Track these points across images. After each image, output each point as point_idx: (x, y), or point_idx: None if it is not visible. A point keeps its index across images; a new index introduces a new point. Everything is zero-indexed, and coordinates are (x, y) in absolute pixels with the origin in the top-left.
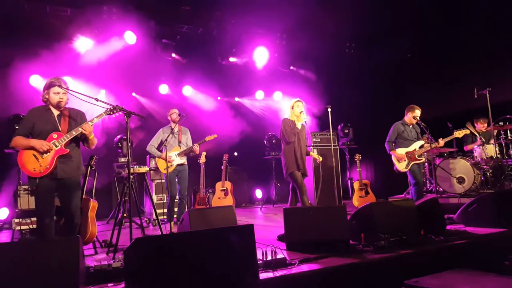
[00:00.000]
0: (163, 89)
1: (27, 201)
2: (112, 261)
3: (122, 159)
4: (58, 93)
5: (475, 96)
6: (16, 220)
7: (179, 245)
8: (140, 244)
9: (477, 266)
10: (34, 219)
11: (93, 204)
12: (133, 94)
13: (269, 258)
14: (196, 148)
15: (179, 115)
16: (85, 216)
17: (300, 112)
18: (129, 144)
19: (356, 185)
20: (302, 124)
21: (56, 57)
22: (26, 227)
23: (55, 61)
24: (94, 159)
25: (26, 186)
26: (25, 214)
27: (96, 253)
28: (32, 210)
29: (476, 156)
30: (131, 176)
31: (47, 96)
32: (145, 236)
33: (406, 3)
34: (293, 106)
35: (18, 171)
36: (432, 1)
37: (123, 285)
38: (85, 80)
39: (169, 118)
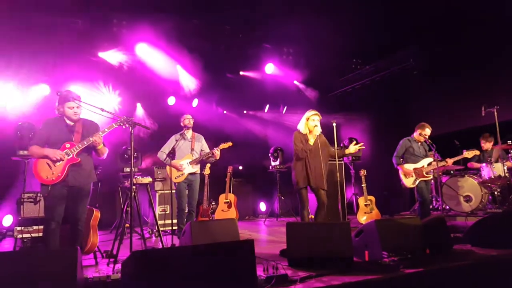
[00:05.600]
0: (171, 101)
1: (30, 210)
2: (111, 273)
3: (127, 169)
4: (73, 107)
5: (483, 114)
6: (18, 228)
7: (177, 259)
8: (137, 257)
9: None
10: (36, 227)
11: (96, 213)
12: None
13: (271, 274)
14: (217, 152)
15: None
16: (87, 225)
17: (315, 126)
18: (133, 154)
19: (361, 201)
20: (316, 138)
21: (65, 67)
22: (28, 235)
23: (63, 71)
24: (98, 169)
25: (31, 194)
26: (27, 222)
27: (96, 263)
28: (34, 218)
29: (484, 175)
30: (134, 187)
31: (61, 109)
32: (142, 250)
33: (413, 19)
34: (308, 118)
35: (24, 179)
36: (439, 18)
37: None
38: (95, 89)
39: (182, 124)
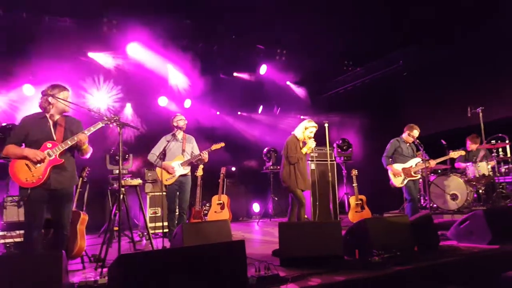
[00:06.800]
0: (163, 101)
1: (13, 213)
2: (98, 277)
3: (117, 171)
4: (66, 98)
5: (469, 115)
6: (1, 233)
7: (165, 262)
8: (124, 260)
9: (469, 283)
10: (19, 232)
11: (83, 217)
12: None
13: (262, 274)
14: (205, 155)
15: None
16: (74, 229)
17: (310, 138)
18: (122, 155)
19: (352, 200)
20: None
21: (52, 67)
22: (11, 240)
23: (50, 71)
24: (86, 170)
25: (13, 198)
26: (11, 226)
27: (84, 268)
28: (18, 223)
29: (469, 174)
30: (123, 189)
31: (52, 101)
32: (129, 253)
33: (402, 22)
34: (307, 128)
35: (7, 182)
36: (429, 21)
37: None
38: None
39: (174, 124)
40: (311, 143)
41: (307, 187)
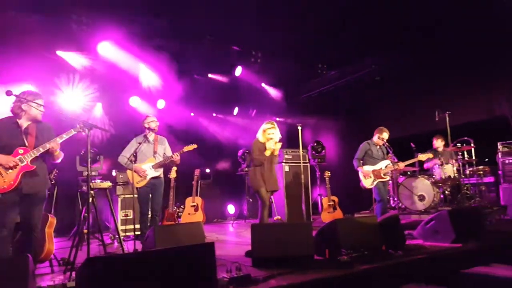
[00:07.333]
0: (135, 101)
1: None
2: (67, 281)
3: (86, 173)
4: (41, 105)
5: (437, 119)
6: None
7: (134, 264)
8: (92, 263)
9: (433, 280)
10: None
11: (51, 220)
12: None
13: (234, 275)
14: (177, 157)
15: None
16: (42, 232)
17: (270, 139)
18: (90, 157)
19: (325, 201)
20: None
21: (18, 65)
22: None
23: (15, 69)
24: (54, 172)
25: None
26: None
27: (52, 272)
28: None
29: (435, 175)
30: (92, 192)
31: (25, 108)
32: (97, 256)
33: (372, 28)
34: (265, 131)
35: None
36: (396, 26)
37: None
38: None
39: (145, 125)
40: (270, 144)
41: (272, 188)
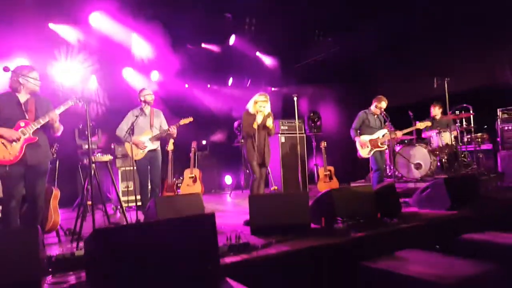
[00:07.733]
0: (129, 73)
1: None
2: (75, 250)
3: (86, 146)
4: (36, 78)
5: (435, 86)
6: None
7: (138, 235)
8: (99, 234)
9: (428, 246)
10: None
11: (55, 192)
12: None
13: (233, 242)
14: (174, 130)
15: None
16: (47, 204)
17: (259, 112)
18: (90, 131)
19: (321, 171)
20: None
21: (10, 38)
22: None
23: (8, 42)
24: (55, 147)
25: None
26: None
27: (60, 241)
28: None
29: (433, 143)
30: (93, 165)
31: (22, 82)
32: (104, 227)
33: None
34: (256, 102)
35: None
36: None
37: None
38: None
39: (141, 99)
40: (259, 118)
41: (264, 161)
